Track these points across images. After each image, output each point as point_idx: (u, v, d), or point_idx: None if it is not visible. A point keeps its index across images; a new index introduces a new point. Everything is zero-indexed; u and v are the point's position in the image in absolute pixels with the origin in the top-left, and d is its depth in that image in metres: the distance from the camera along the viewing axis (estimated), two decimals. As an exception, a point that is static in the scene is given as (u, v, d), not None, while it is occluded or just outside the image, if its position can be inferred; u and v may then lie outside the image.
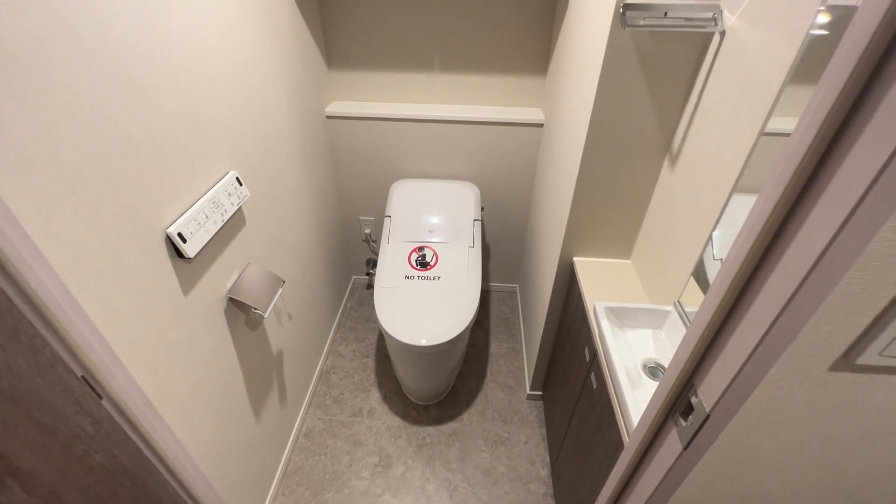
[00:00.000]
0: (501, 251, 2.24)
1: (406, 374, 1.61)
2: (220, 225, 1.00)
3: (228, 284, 1.11)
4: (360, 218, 2.15)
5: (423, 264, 1.66)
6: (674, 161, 1.09)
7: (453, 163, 1.93)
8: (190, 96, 0.93)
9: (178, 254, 0.90)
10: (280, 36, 1.35)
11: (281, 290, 1.24)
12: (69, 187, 0.66)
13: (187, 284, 0.95)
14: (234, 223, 1.13)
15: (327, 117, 1.81)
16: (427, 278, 1.61)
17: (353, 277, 2.40)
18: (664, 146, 1.12)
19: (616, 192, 1.21)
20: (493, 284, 2.38)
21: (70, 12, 0.65)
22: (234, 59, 1.10)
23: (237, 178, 1.09)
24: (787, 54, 0.71)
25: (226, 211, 1.03)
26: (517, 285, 2.37)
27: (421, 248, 1.72)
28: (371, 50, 1.74)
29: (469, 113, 1.79)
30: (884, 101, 0.32)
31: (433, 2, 1.61)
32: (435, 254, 1.70)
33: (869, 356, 0.42)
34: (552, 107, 1.60)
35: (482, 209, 2.06)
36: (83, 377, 0.72)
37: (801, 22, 0.69)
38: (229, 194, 1.05)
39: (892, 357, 0.41)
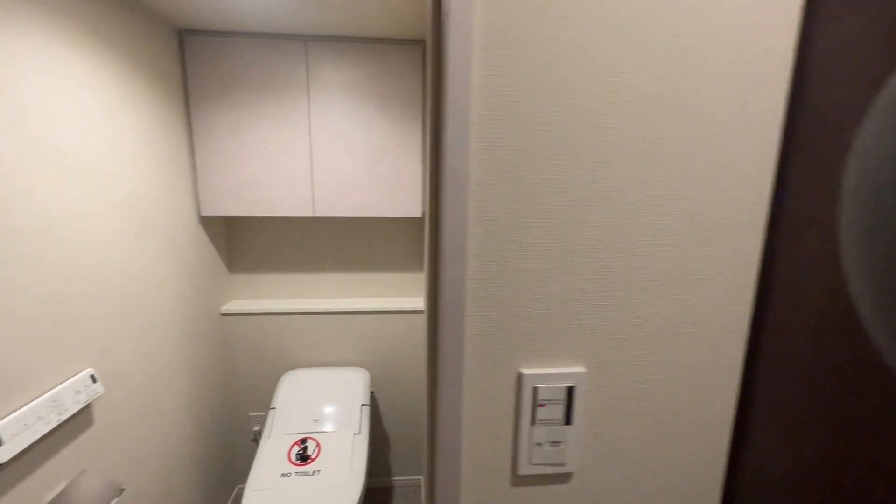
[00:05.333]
0: (403, 441, 2.17)
1: None
2: (53, 425, 0.98)
3: (48, 497, 1.00)
4: (250, 414, 2.05)
5: (303, 458, 1.58)
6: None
7: (344, 351, 2.04)
8: (63, 287, 1.03)
9: (-11, 459, 0.85)
10: (179, 247, 1.56)
11: (115, 501, 1.12)
12: None
13: (-11, 498, 0.86)
14: (76, 424, 1.09)
15: (222, 315, 1.93)
16: (305, 474, 1.51)
17: (238, 487, 2.13)
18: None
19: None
20: (397, 479, 2.21)
21: None
22: (121, 261, 1.25)
23: (91, 376, 1.10)
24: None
25: (66, 409, 1.01)
26: (421, 477, 2.22)
27: (303, 441, 1.66)
28: (272, 257, 2.01)
29: (358, 304, 2.01)
30: None
31: (329, 220, 1.99)
32: (318, 445, 1.64)
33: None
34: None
35: (372, 393, 2.09)
36: None
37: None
38: (77, 392, 1.05)
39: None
